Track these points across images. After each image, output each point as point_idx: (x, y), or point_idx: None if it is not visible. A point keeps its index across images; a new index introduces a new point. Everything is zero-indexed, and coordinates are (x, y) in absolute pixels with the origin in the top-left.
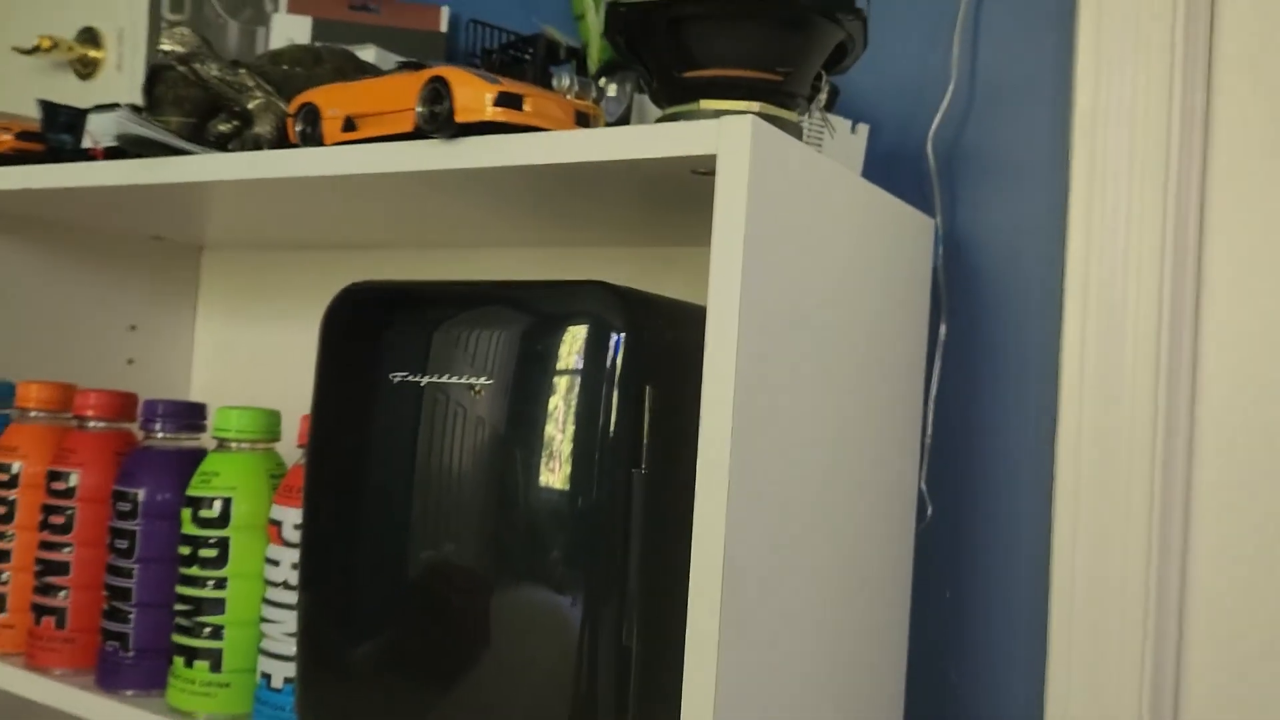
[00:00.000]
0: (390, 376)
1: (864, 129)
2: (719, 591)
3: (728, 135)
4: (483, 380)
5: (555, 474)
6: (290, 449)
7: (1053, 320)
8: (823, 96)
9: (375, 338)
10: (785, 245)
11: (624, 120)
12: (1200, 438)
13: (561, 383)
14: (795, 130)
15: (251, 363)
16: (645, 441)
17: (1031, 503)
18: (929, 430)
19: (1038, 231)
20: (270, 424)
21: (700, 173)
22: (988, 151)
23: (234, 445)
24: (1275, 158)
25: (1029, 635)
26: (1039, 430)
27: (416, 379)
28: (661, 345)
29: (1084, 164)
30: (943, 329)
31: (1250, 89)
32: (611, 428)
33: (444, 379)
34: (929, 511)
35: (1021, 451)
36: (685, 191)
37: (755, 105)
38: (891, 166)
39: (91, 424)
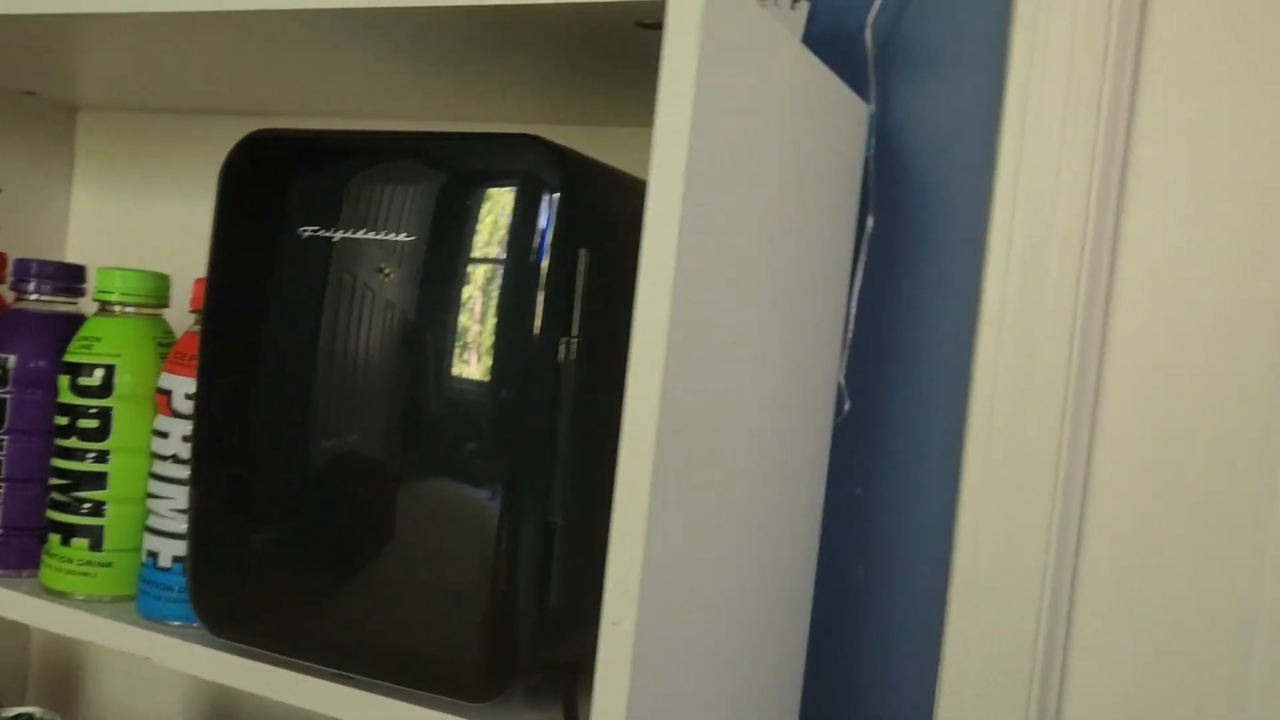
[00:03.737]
0: (299, 232)
1: (804, 6)
2: (649, 470)
3: None
4: (404, 238)
5: (482, 339)
6: (179, 316)
7: (980, 217)
8: None
9: (283, 190)
10: (732, 110)
11: None
12: (1115, 339)
13: (491, 242)
14: None
15: (131, 231)
16: (577, 308)
17: (947, 402)
18: (851, 324)
19: (971, 126)
20: (159, 287)
21: (645, 24)
22: (926, 40)
23: (118, 309)
24: (1209, 59)
25: (937, 533)
26: (959, 328)
27: (329, 235)
28: (597, 207)
29: (1023, 55)
30: (869, 220)
31: None
32: (543, 292)
33: (360, 235)
34: (846, 406)
35: (941, 350)
36: (626, 53)
37: None
38: (826, 49)
39: None
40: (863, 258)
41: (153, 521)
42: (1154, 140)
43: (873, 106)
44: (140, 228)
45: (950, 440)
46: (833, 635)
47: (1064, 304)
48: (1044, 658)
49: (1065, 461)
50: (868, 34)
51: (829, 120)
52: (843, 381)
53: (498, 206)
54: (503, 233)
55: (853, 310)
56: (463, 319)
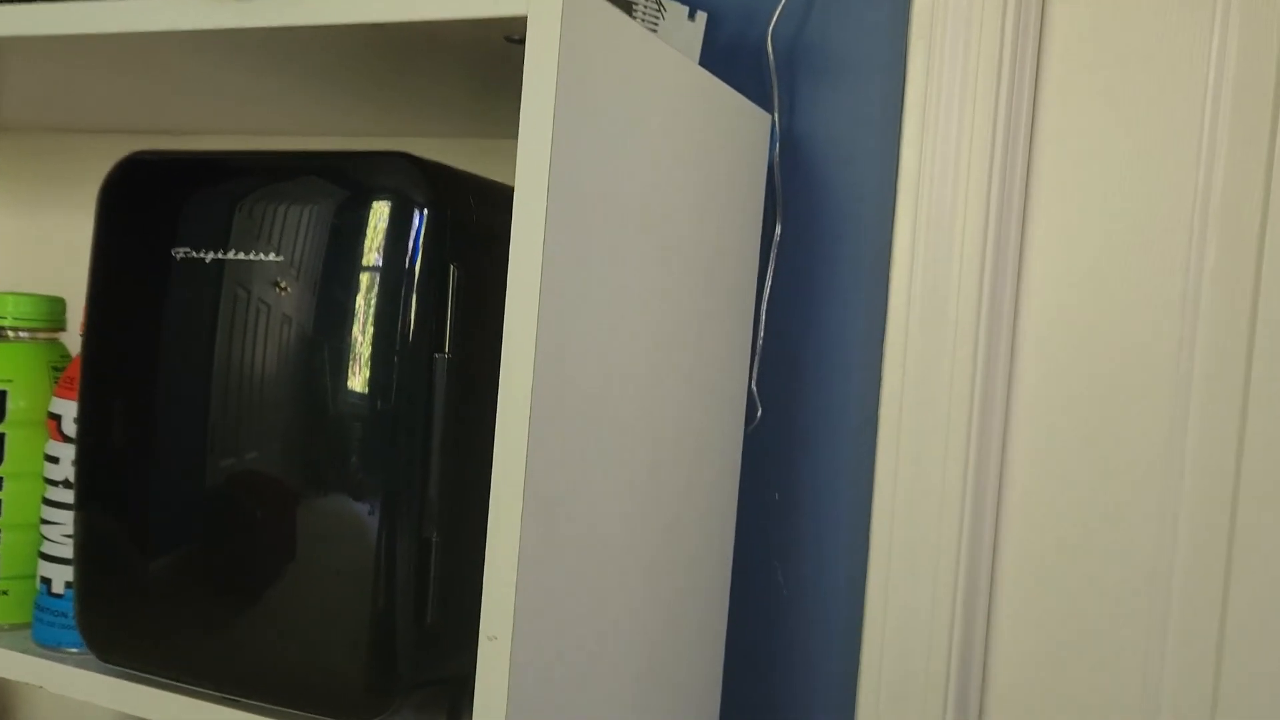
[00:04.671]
0: (174, 253)
1: (702, 17)
2: (521, 483)
3: None
4: (274, 257)
5: (354, 358)
6: (78, 340)
7: (886, 222)
8: None
9: (158, 211)
10: (605, 124)
11: None
12: (1021, 342)
13: (361, 260)
14: (624, 5)
15: (53, 254)
16: (449, 324)
17: (859, 405)
18: (761, 330)
19: (875, 131)
20: (53, 311)
21: (515, 40)
22: (828, 49)
23: (11, 334)
24: (1104, 66)
25: (853, 535)
26: (869, 333)
27: (202, 255)
28: (468, 222)
29: (920, 65)
30: (778, 228)
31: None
32: (413, 309)
33: (232, 255)
34: (759, 412)
35: (851, 354)
36: (504, 67)
37: None
38: (730, 59)
39: None
40: (771, 265)
41: (46, 548)
42: (1053, 143)
43: (775, 115)
44: (61, 248)
45: (863, 441)
46: (753, 636)
47: (968, 304)
48: (961, 652)
49: (974, 458)
50: (769, 42)
51: (725, 132)
52: (754, 388)
53: (368, 224)
54: (373, 250)
55: (763, 317)
56: (336, 336)
